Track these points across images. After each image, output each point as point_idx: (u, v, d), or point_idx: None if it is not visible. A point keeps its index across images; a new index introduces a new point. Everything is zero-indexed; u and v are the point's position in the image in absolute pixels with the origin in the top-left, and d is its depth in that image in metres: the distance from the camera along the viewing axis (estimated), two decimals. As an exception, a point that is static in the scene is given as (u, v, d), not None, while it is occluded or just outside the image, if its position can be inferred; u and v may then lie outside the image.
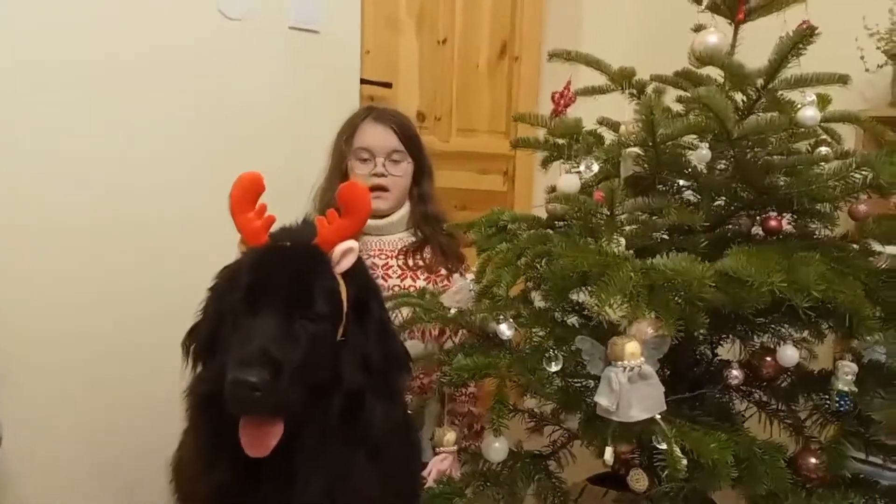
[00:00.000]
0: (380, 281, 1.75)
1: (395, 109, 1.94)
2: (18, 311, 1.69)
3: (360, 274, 1.17)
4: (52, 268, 1.73)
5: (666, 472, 1.09)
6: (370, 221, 1.76)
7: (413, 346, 1.67)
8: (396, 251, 1.81)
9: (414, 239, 1.82)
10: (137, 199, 1.84)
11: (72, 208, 1.75)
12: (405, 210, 1.83)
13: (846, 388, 1.24)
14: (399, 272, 1.79)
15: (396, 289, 1.75)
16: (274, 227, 1.16)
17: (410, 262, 1.80)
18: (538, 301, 1.38)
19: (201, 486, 1.14)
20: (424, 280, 1.78)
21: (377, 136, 1.79)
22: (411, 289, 1.73)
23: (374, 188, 1.75)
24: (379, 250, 1.80)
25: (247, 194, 1.12)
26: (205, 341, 1.16)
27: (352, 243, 1.13)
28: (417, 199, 1.84)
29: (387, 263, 1.79)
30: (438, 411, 1.79)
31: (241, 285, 1.09)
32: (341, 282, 1.12)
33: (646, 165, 1.32)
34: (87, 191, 1.77)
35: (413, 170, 1.83)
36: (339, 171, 1.81)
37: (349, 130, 1.83)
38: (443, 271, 1.79)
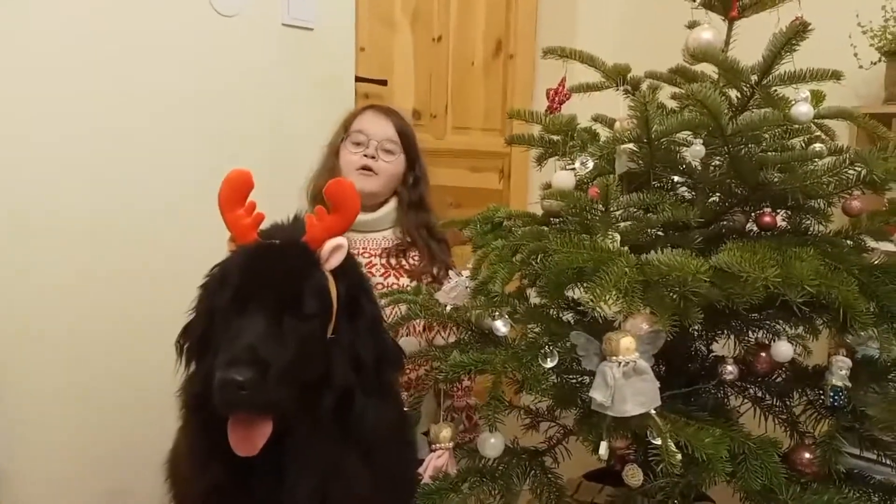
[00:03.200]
0: None
1: (398, 110, 1.96)
2: (11, 308, 1.68)
3: (350, 271, 1.17)
4: (44, 265, 1.72)
5: (661, 468, 1.09)
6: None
7: (407, 343, 1.67)
8: (380, 250, 1.81)
9: (399, 240, 1.82)
10: (128, 195, 1.83)
11: (64, 204, 1.74)
12: (390, 207, 1.83)
13: (840, 384, 1.25)
14: (382, 270, 1.79)
15: (380, 287, 1.74)
16: (265, 225, 1.16)
17: (393, 262, 1.80)
18: (533, 297, 1.38)
19: (195, 486, 1.14)
20: (408, 281, 1.77)
21: (375, 124, 1.82)
22: (394, 286, 1.73)
23: (361, 168, 1.77)
24: (363, 248, 1.80)
25: (235, 192, 1.11)
26: (197, 340, 1.15)
27: (341, 240, 1.12)
28: (408, 202, 1.84)
29: (370, 262, 1.79)
30: (435, 408, 1.80)
31: (229, 284, 1.09)
32: (331, 279, 1.11)
33: (640, 162, 1.32)
34: (78, 186, 1.76)
35: (405, 168, 1.83)
36: (332, 155, 1.83)
37: (348, 119, 1.86)
38: (428, 277, 1.79)
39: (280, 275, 1.09)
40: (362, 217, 1.75)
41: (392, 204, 1.83)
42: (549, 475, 1.41)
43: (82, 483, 1.79)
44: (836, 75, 1.27)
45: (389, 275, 1.79)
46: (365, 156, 1.78)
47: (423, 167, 1.88)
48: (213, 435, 1.06)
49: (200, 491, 1.13)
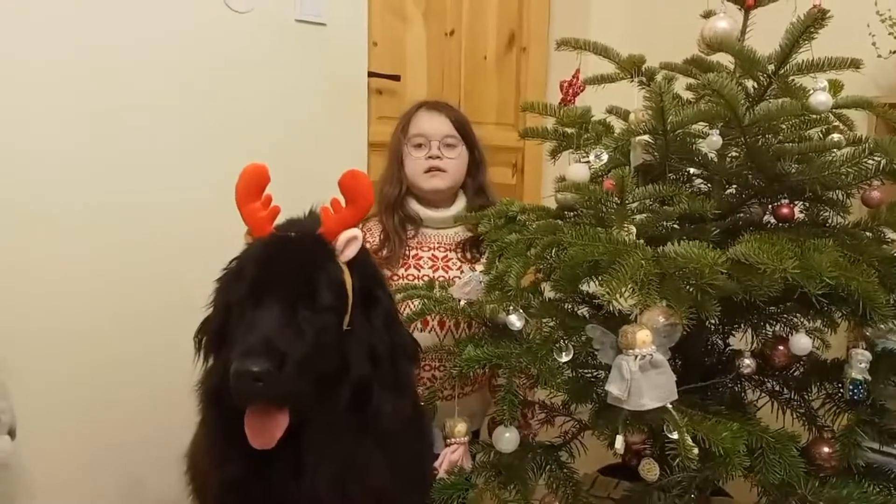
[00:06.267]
0: (440, 272, 1.79)
1: (448, 101, 1.98)
2: (15, 304, 1.68)
3: (365, 264, 1.17)
4: (49, 260, 1.72)
5: (677, 462, 1.08)
6: (430, 213, 1.82)
7: (424, 338, 1.67)
8: (454, 244, 1.84)
9: (470, 234, 1.84)
10: (138, 192, 1.83)
11: (75, 201, 1.74)
12: (462, 205, 1.85)
13: (860, 377, 1.24)
14: (458, 264, 1.81)
15: (456, 280, 1.76)
16: (281, 220, 1.16)
17: (468, 255, 1.83)
18: (548, 291, 1.38)
19: (214, 479, 1.15)
20: None
21: (431, 123, 1.83)
22: None
23: (430, 169, 1.79)
24: (438, 243, 1.83)
25: (252, 185, 1.12)
26: (214, 334, 1.16)
27: (355, 232, 1.12)
28: (474, 191, 1.87)
29: (446, 255, 1.82)
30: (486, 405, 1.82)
31: (245, 277, 1.10)
32: (346, 271, 1.12)
33: (656, 154, 1.31)
34: (91, 182, 1.76)
35: (468, 159, 1.86)
36: (397, 161, 1.84)
37: (404, 121, 1.87)
38: None
39: (295, 266, 1.09)
40: (435, 214, 1.82)
41: (462, 201, 1.86)
42: (565, 470, 1.40)
43: (90, 480, 1.79)
44: (854, 64, 1.25)
45: (465, 269, 1.81)
46: (429, 157, 1.80)
47: (481, 152, 1.90)
48: (231, 428, 1.07)
49: (219, 484, 1.14)
